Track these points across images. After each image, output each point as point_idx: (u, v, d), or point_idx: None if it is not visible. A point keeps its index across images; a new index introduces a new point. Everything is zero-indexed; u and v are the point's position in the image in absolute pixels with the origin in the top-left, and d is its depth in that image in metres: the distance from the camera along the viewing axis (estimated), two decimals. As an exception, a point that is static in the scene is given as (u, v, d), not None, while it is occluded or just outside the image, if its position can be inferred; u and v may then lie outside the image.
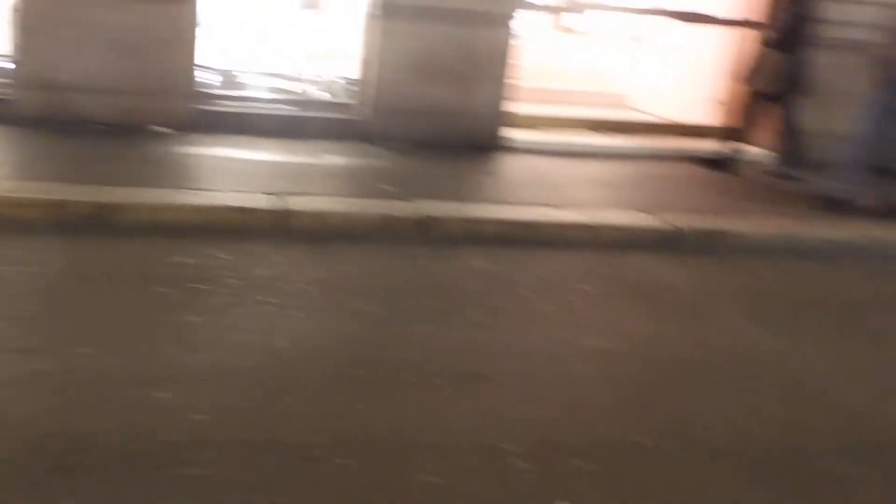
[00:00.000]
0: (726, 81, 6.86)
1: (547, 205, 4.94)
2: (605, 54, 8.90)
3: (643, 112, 8.14)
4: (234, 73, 6.83)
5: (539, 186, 5.42)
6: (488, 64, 6.32)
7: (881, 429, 2.95)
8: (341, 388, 2.84)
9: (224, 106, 6.32)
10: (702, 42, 7.43)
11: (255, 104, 6.50)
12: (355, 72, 6.52)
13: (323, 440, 2.50)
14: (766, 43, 6.16)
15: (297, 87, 6.88)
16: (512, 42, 6.36)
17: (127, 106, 5.79)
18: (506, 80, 6.36)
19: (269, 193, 4.62)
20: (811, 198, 5.55)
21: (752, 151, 6.52)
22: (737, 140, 6.40)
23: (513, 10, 6.31)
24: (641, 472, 2.51)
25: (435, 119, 6.23)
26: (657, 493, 2.42)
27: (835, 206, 5.39)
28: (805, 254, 4.78)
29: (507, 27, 6.32)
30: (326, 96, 6.91)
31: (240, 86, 6.76)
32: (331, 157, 5.71)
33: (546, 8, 7.99)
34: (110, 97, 5.74)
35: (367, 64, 6.38)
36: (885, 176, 5.61)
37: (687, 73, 7.74)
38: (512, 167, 5.99)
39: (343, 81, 6.93)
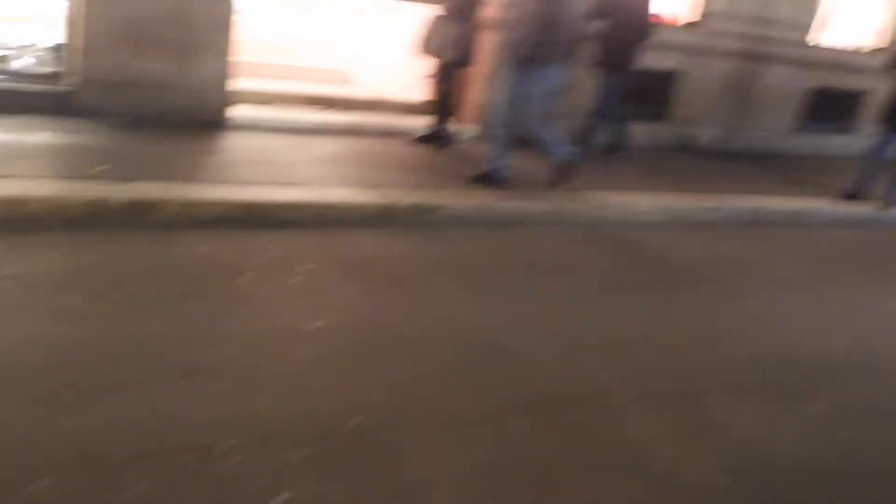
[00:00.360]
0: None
1: (269, 184, 4.72)
2: (330, 29, 8.72)
3: (364, 87, 8.11)
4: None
5: (262, 165, 5.15)
6: (208, 36, 5.86)
7: (572, 383, 3.14)
8: (42, 401, 2.49)
9: None
10: (416, 18, 7.52)
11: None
12: (62, 38, 5.73)
13: (15, 466, 2.17)
14: (442, 13, 6.12)
15: (-7, 54, 5.92)
16: (233, 15, 5.95)
17: None
18: (228, 55, 5.95)
19: (-44, 178, 3.92)
20: (473, 173, 5.50)
21: (456, 125, 6.74)
22: (443, 114, 6.51)
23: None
24: (361, 453, 2.48)
25: (152, 93, 5.68)
26: (375, 471, 2.41)
27: (491, 181, 5.39)
28: (501, 224, 5.02)
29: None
30: (30, 64, 6.02)
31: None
32: (34, 134, 4.98)
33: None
34: None
35: (72, 29, 5.61)
36: (532, 147, 5.69)
37: (402, 49, 7.81)
38: (235, 145, 5.63)
39: (49, 48, 6.08)
